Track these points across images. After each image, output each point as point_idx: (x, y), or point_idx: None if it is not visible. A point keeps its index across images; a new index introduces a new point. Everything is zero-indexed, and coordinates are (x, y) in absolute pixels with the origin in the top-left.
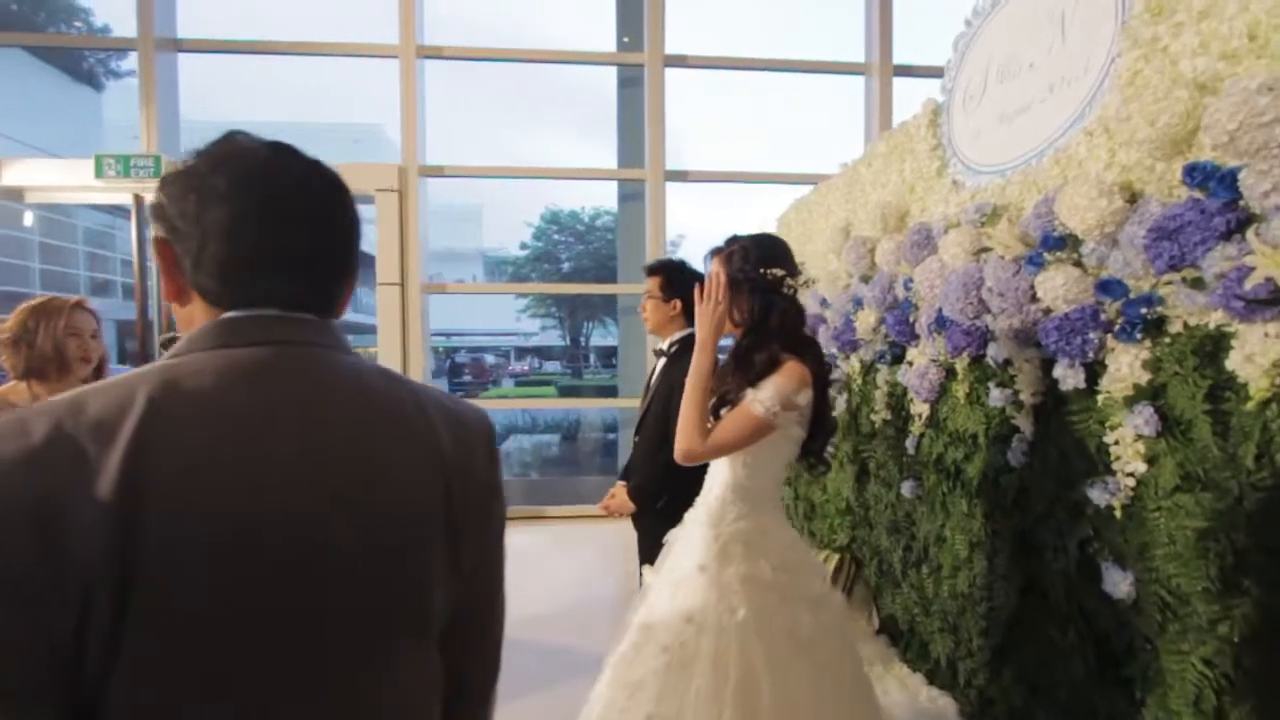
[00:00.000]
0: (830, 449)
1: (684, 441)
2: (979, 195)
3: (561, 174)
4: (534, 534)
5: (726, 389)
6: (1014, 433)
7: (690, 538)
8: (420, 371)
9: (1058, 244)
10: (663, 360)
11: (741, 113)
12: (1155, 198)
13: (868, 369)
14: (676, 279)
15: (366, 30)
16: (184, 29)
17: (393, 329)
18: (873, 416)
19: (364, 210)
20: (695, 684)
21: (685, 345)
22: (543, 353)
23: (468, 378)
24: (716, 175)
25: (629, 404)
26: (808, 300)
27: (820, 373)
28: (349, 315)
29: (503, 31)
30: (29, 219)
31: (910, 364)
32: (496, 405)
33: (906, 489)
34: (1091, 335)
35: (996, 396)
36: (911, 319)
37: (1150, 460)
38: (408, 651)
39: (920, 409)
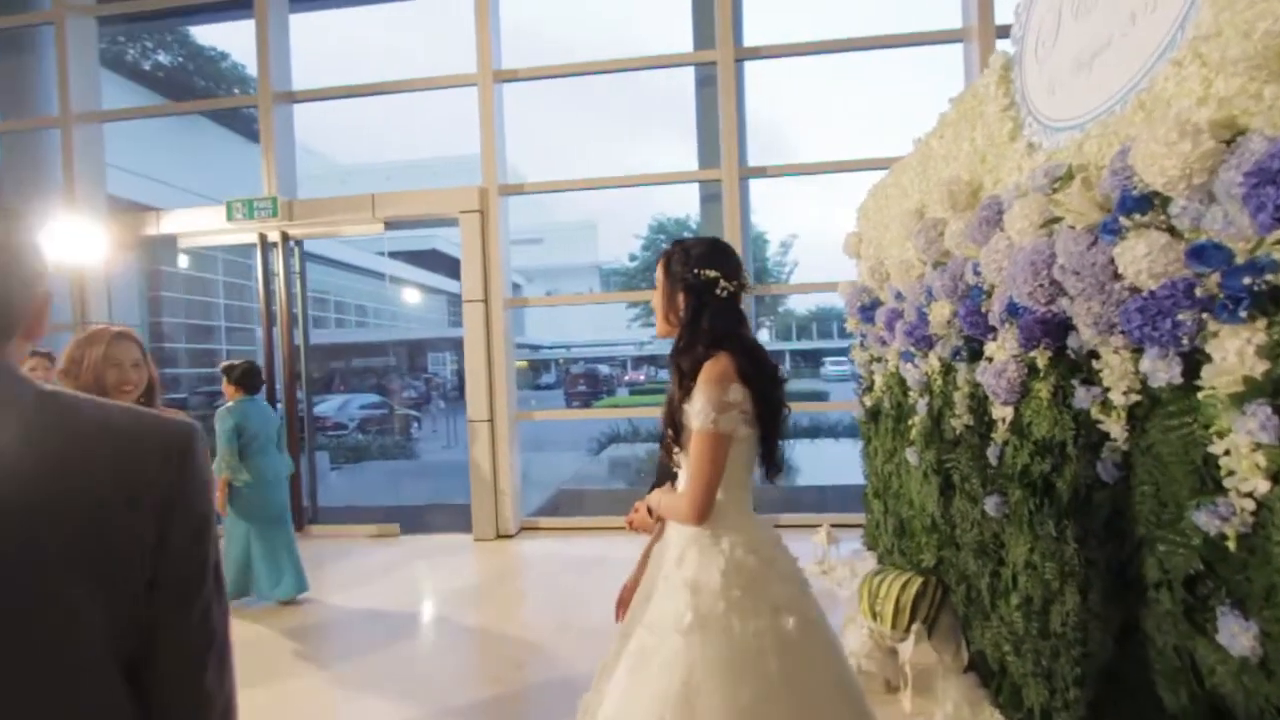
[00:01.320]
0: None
1: (680, 515)
2: (1055, 156)
3: (639, 180)
4: (625, 546)
5: (670, 394)
6: (1105, 440)
7: (665, 546)
8: (505, 382)
9: (1138, 205)
10: None
11: (845, 98)
12: (1261, 132)
13: (947, 368)
14: None
15: (461, 61)
16: (300, 81)
17: (478, 343)
18: (954, 422)
19: (449, 233)
20: (648, 691)
21: None
22: (659, 361)
23: (583, 387)
24: (797, 169)
25: None
26: (885, 294)
27: (750, 368)
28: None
29: (597, 45)
30: (183, 261)
31: (990, 360)
32: (602, 415)
33: (990, 505)
34: (1183, 316)
35: (1082, 396)
36: (984, 308)
37: (1275, 477)
38: (52, 683)
39: (1002, 413)
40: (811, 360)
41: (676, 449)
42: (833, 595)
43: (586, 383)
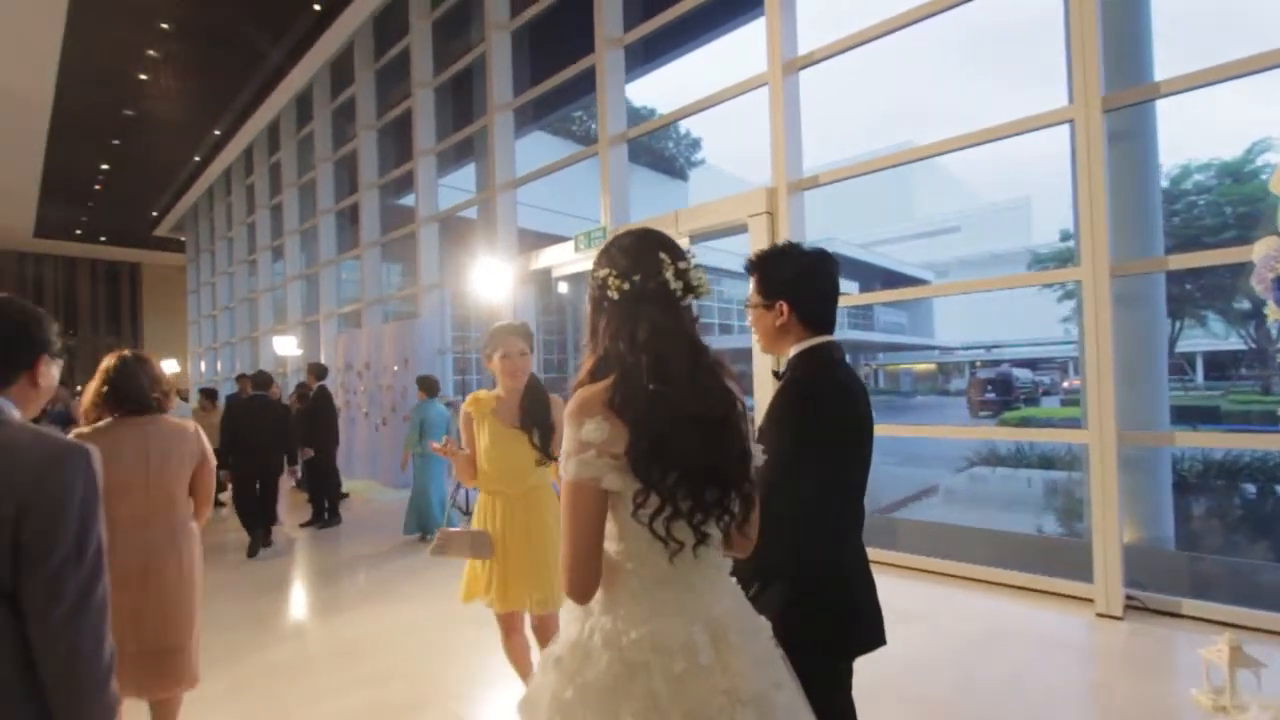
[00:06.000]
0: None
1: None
2: None
3: (964, 142)
4: (939, 596)
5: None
6: None
7: None
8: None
9: None
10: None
11: None
12: None
13: None
14: (778, 272)
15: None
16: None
17: None
18: None
19: (734, 242)
20: None
21: (803, 363)
22: None
23: (990, 394)
24: (1184, 82)
25: (1081, 437)
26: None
27: (625, 394)
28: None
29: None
30: (563, 288)
31: None
32: (955, 434)
33: None
34: None
35: None
36: None
37: None
38: None
39: None
40: None
41: None
42: None
43: (996, 389)
